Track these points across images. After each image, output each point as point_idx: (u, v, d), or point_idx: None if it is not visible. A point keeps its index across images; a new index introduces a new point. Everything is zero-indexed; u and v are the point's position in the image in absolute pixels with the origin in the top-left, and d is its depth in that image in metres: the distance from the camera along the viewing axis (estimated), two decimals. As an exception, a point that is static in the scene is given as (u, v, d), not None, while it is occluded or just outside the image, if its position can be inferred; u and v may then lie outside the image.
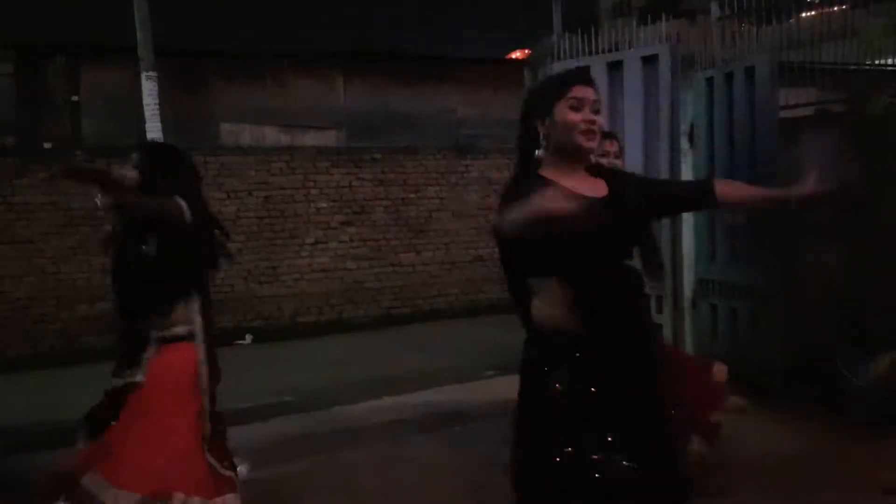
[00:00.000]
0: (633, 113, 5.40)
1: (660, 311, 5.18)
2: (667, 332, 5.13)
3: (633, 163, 4.63)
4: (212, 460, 2.76)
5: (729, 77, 5.38)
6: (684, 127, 5.64)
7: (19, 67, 8.55)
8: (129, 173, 2.81)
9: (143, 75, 7.55)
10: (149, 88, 7.57)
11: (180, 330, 2.78)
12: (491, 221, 2.12)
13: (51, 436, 4.70)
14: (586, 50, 5.71)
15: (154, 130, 7.62)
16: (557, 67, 5.60)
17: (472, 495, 3.53)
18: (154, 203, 2.75)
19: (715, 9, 5.95)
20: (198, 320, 2.80)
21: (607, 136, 3.75)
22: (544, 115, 2.03)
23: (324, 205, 8.84)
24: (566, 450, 1.89)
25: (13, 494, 3.65)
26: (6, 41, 8.51)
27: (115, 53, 8.46)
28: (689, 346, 5.49)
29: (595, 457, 1.87)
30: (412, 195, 9.30)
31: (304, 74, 9.77)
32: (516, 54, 11.70)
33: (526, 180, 2.02)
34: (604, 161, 3.55)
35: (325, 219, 8.85)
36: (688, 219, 5.56)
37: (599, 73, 5.52)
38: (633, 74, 5.42)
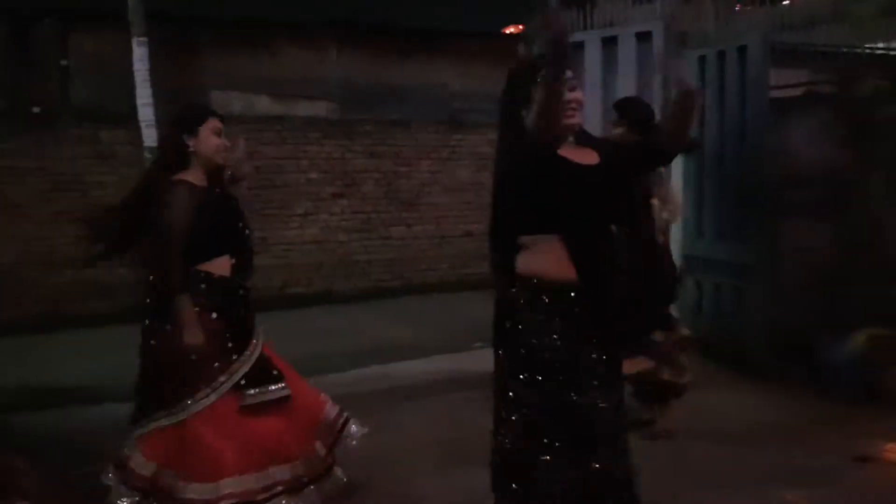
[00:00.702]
0: (627, 88, 5.43)
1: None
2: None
3: (624, 138, 4.66)
4: None
5: (721, 55, 5.41)
6: (676, 104, 5.68)
7: (8, 31, 8.42)
8: None
9: (134, 41, 7.46)
10: (139, 54, 7.49)
11: None
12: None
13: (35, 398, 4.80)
14: (582, 25, 5.72)
15: (144, 97, 7.55)
16: (552, 42, 5.61)
17: (457, 460, 3.60)
18: None
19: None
20: None
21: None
22: (526, 101, 2.13)
23: (315, 176, 8.81)
24: (559, 392, 2.11)
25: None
26: (-6, 3, 8.39)
27: (106, 18, 8.34)
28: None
29: (578, 398, 2.11)
30: (403, 168, 9.29)
31: (296, 44, 9.68)
32: (510, 30, 11.62)
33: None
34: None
35: (315, 190, 8.83)
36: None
37: (594, 47, 5.55)
38: (627, 50, 5.45)
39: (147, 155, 7.60)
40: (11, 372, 5.44)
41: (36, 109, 8.28)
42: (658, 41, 5.30)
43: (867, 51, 5.49)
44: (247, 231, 3.07)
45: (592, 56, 5.51)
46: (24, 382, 5.20)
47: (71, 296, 7.51)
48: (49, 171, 7.58)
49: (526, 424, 2.13)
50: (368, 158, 9.06)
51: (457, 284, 9.14)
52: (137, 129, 7.55)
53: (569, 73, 2.09)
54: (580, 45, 5.53)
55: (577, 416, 2.10)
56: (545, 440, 2.10)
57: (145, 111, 7.57)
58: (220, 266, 2.92)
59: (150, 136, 7.60)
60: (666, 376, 3.87)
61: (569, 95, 2.09)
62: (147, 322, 2.92)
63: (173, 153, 2.94)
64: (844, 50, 5.52)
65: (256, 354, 2.96)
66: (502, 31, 11.99)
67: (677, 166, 5.44)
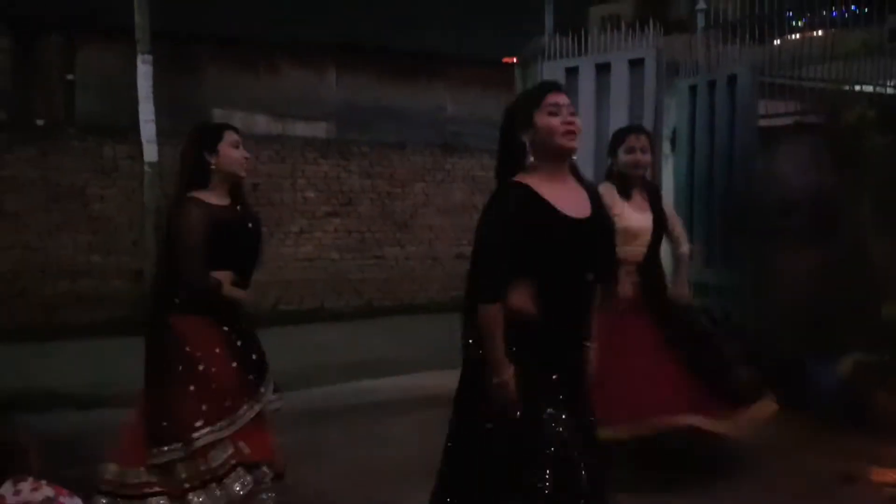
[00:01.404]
0: (619, 114, 5.55)
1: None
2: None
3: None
4: None
5: (711, 85, 5.55)
6: (666, 131, 5.81)
7: (15, 43, 8.55)
8: None
9: (140, 58, 7.61)
10: (143, 71, 7.63)
11: None
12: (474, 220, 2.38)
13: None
14: (576, 51, 5.86)
15: (147, 113, 7.68)
16: (547, 66, 5.75)
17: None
18: None
19: (700, 19, 6.15)
20: None
21: (635, 129, 3.73)
22: (526, 125, 2.22)
23: (311, 195, 8.91)
24: (531, 407, 2.21)
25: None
26: (2, 16, 8.50)
27: (112, 34, 8.50)
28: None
29: (548, 412, 2.19)
30: (398, 189, 9.40)
31: (297, 65, 9.85)
32: (506, 60, 11.83)
33: (507, 191, 2.25)
34: (631, 157, 3.56)
35: (311, 209, 8.93)
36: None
37: (588, 73, 5.68)
38: (619, 76, 5.57)
39: (147, 170, 7.71)
40: (4, 377, 5.46)
41: (40, 122, 8.39)
42: (650, 68, 5.44)
43: (855, 88, 5.63)
44: (258, 254, 3.09)
45: (586, 81, 5.64)
46: (12, 385, 5.20)
47: (65, 306, 7.54)
48: (51, 183, 7.67)
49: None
50: (364, 179, 9.17)
51: (448, 305, 9.19)
52: (139, 143, 7.65)
53: (565, 100, 2.21)
54: (574, 71, 5.66)
55: (526, 433, 2.18)
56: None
57: (147, 128, 7.69)
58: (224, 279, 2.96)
59: (150, 153, 7.71)
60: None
61: (567, 119, 2.18)
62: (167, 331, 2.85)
63: (195, 172, 2.93)
64: (832, 87, 5.66)
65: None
66: (502, 60, 12.20)
67: (668, 193, 5.54)
